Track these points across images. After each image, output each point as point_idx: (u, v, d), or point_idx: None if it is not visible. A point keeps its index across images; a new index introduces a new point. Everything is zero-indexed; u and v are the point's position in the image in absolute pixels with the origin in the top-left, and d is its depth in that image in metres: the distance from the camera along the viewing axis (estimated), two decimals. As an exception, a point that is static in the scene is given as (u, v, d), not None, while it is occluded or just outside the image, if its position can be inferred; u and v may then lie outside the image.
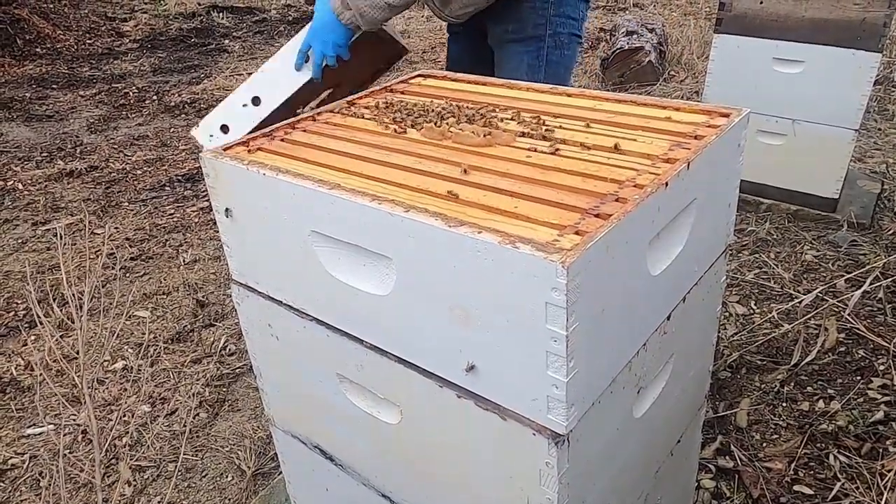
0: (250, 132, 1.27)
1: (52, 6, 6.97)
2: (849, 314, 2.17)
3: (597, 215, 0.82)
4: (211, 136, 1.64)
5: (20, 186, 3.74)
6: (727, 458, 1.75)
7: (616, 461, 1.00)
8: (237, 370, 2.25)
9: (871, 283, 2.22)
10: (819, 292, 2.28)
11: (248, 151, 1.10)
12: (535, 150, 1.02)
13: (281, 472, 1.48)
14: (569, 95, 1.24)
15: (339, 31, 1.63)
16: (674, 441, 1.24)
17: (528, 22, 1.77)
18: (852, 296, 2.17)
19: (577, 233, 0.78)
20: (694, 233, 1.00)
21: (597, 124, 1.10)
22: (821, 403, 1.90)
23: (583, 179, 0.91)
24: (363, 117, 1.22)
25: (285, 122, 1.21)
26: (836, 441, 1.77)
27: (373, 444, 1.11)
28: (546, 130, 1.08)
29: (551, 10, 1.76)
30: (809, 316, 2.21)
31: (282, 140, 1.15)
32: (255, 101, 1.65)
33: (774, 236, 2.73)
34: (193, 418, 2.05)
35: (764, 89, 2.73)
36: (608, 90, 4.44)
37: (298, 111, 1.66)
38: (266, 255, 1.09)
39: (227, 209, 1.11)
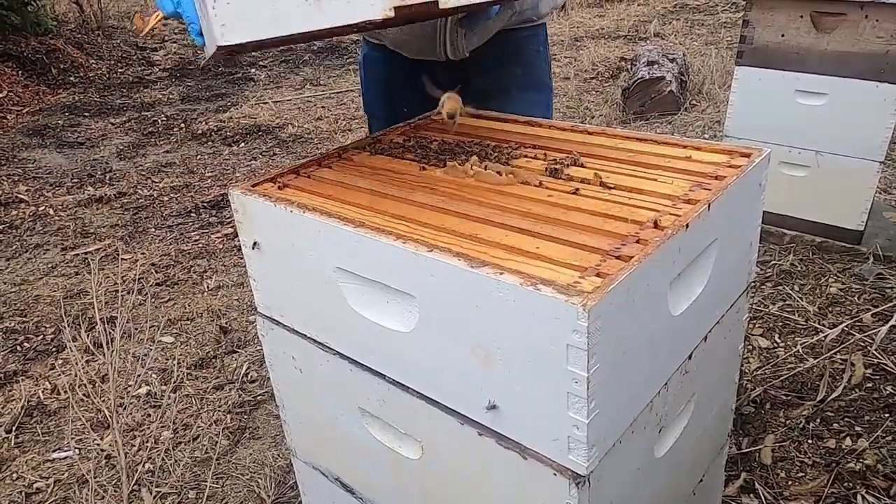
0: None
1: (86, 36, 7.20)
2: (876, 349, 2.13)
3: (618, 257, 0.83)
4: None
5: (51, 212, 3.84)
6: (751, 496, 1.72)
7: (638, 501, 0.99)
8: (258, 397, 2.27)
9: (898, 318, 2.18)
10: (845, 326, 2.24)
11: (278, 188, 1.13)
12: (557, 190, 1.03)
13: (300, 502, 1.49)
14: (590, 134, 1.26)
15: None
16: (696, 480, 1.23)
17: (536, 66, 1.64)
18: (879, 330, 2.13)
19: (598, 275, 0.79)
20: (715, 273, 1.00)
21: (618, 163, 1.11)
22: (848, 441, 1.86)
23: (604, 220, 0.92)
24: (388, 154, 1.24)
25: (311, 158, 1.24)
26: (863, 480, 1.73)
27: (393, 478, 1.12)
28: (568, 170, 1.09)
29: (545, 54, 1.66)
30: (835, 350, 2.17)
31: (308, 177, 1.18)
32: None
33: (798, 268, 2.71)
34: (214, 445, 2.06)
35: (786, 121, 2.73)
36: (629, 119, 4.46)
37: None
38: (291, 289, 1.11)
39: (254, 243, 1.14)
